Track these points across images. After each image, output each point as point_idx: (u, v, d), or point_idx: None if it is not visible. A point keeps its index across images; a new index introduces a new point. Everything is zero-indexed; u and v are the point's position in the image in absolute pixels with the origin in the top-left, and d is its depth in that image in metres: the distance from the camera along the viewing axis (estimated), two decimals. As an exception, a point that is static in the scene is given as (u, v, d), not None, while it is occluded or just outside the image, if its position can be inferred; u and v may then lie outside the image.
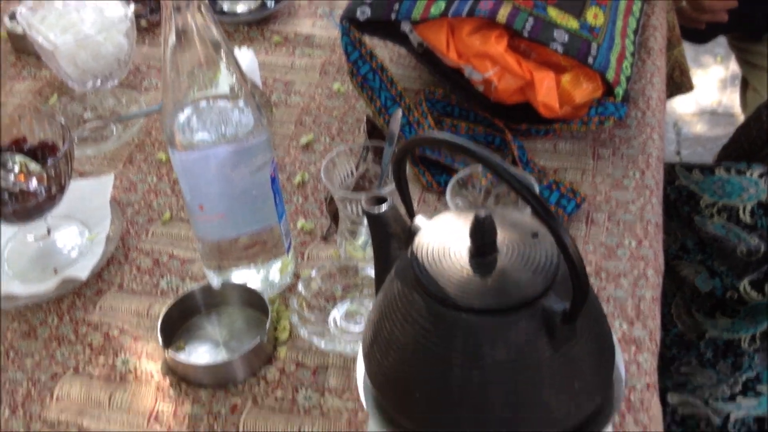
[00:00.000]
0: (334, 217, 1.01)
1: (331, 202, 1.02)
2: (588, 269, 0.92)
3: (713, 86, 2.67)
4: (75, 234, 1.04)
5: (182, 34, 0.78)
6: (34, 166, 0.97)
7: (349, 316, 0.91)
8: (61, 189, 0.97)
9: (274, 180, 0.89)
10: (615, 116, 1.05)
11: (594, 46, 1.04)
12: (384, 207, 0.69)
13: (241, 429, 0.82)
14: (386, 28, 1.12)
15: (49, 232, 1.02)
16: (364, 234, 0.94)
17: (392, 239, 0.71)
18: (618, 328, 0.85)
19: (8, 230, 1.02)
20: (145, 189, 1.11)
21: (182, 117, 0.83)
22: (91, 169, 1.15)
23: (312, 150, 1.14)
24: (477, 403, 0.61)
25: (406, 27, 1.12)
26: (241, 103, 0.84)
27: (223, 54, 0.81)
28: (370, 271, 0.91)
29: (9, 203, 0.93)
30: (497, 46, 1.04)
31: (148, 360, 0.89)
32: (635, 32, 1.15)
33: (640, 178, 1.03)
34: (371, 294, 0.91)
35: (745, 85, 1.90)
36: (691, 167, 1.27)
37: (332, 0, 1.42)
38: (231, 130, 0.83)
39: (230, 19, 1.39)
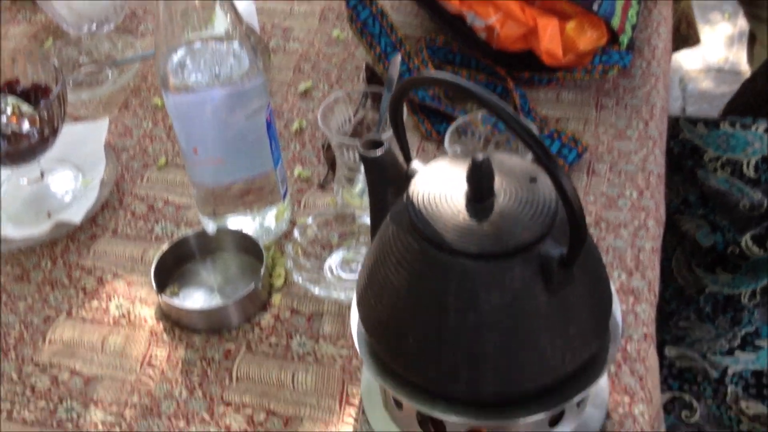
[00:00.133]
0: (332, 164, 1.00)
1: (328, 149, 1.01)
2: (588, 219, 0.91)
3: (720, 43, 2.63)
4: (69, 178, 1.03)
5: (176, -28, 0.76)
6: (26, 108, 0.95)
7: (345, 264, 0.90)
8: (54, 132, 0.95)
9: (269, 125, 0.87)
10: (619, 65, 1.02)
11: (599, -8, 1.02)
12: (380, 151, 0.68)
13: (234, 374, 0.81)
14: (387, -28, 1.09)
15: (42, 175, 1.01)
16: (361, 181, 0.92)
17: (388, 184, 0.70)
18: (617, 279, 0.84)
19: (2, 173, 1.01)
20: (140, 134, 1.09)
21: (175, 58, 0.81)
22: (86, 113, 1.13)
23: (310, 97, 1.12)
24: (471, 349, 0.60)
25: (407, -28, 1.09)
26: (235, 45, 0.82)
27: (217, -7, 0.79)
28: (367, 219, 0.90)
29: (1, 145, 0.92)
30: (500, -9, 1.02)
31: (142, 305, 0.89)
32: (642, -20, 1.12)
33: (643, 128, 1.01)
34: (368, 242, 0.90)
35: (752, 40, 1.87)
36: (696, 121, 1.25)
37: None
38: (225, 72, 0.81)
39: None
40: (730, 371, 1.02)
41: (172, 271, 0.90)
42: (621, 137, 1.01)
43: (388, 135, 0.87)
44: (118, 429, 0.78)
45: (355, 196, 0.93)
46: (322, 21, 1.24)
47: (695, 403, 1.03)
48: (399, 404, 0.71)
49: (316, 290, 0.85)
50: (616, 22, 1.02)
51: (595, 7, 1.00)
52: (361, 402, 0.77)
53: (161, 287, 0.88)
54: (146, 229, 0.97)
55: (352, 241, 0.91)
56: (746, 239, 1.15)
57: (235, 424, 0.77)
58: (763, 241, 1.15)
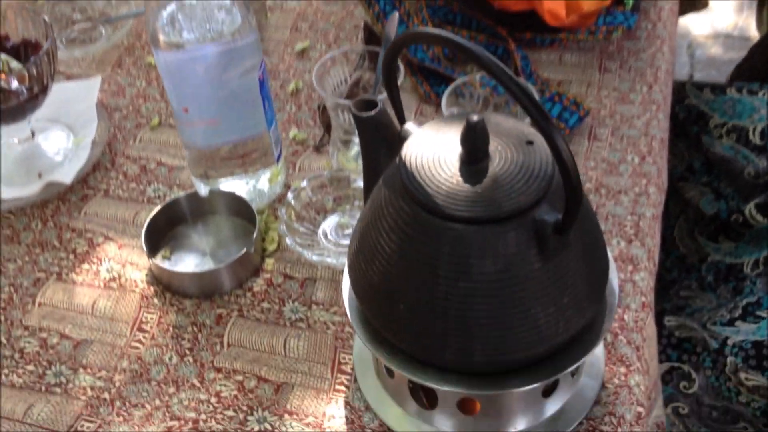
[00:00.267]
0: (327, 126, 0.97)
1: (324, 111, 0.99)
2: (588, 185, 0.89)
3: (729, 8, 2.59)
4: (60, 138, 1.01)
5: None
6: (15, 64, 0.93)
7: (339, 228, 0.88)
8: (44, 89, 0.93)
9: (263, 84, 0.85)
10: (624, 26, 1.00)
11: (605, -49, 0.98)
12: (373, 111, 0.66)
13: (225, 340, 0.80)
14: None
15: (33, 135, 0.99)
16: (357, 144, 0.90)
17: (381, 146, 0.68)
18: (615, 246, 0.82)
19: (-9, 132, 0.99)
20: (133, 93, 1.07)
21: (165, 14, 0.79)
22: (79, 71, 1.11)
23: (307, 57, 1.09)
24: (462, 317, 0.59)
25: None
26: (227, 0, 0.79)
27: (208, -54, 0.76)
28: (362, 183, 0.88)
29: (-11, 103, 0.90)
30: (503, -51, 0.99)
31: (133, 268, 0.87)
32: (650, -61, 1.09)
33: (647, 92, 0.99)
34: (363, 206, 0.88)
35: (761, 4, 1.83)
36: (702, 86, 1.22)
37: None
38: (217, 28, 0.79)
39: None
40: (730, 342, 1.00)
41: (164, 233, 0.89)
42: (624, 101, 0.98)
43: (383, 96, 0.84)
44: (107, 394, 0.77)
45: (351, 159, 0.91)
46: (320, -21, 1.21)
47: (694, 374, 1.01)
48: (390, 372, 0.70)
49: (310, 255, 0.83)
50: (621, -18, 0.99)
51: (600, -34, 0.98)
52: (353, 369, 0.76)
53: (153, 250, 0.86)
54: (138, 191, 0.95)
55: (347, 205, 0.89)
56: (750, 207, 1.13)
57: (226, 390, 0.76)
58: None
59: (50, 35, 0.92)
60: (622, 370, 0.72)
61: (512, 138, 0.62)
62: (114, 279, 0.86)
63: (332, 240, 0.87)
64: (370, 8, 1.06)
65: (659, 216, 0.87)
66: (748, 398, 0.99)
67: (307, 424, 0.73)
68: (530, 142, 0.61)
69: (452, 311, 0.59)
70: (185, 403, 0.75)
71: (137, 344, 0.80)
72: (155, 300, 0.84)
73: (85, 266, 0.88)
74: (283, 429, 0.72)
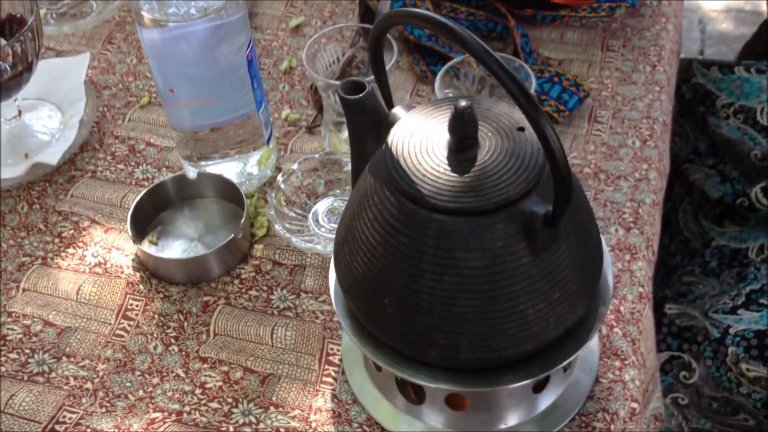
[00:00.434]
0: (320, 107, 0.95)
1: (316, 91, 0.96)
2: (587, 170, 0.86)
3: (742, -19, 2.53)
4: (48, 117, 0.98)
5: None
6: (-2, 42, 0.90)
7: (331, 213, 0.85)
8: (29, 67, 0.91)
9: (251, 63, 0.82)
10: (627, 3, 0.96)
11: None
12: (361, 94, 0.63)
13: (212, 329, 0.78)
14: None
15: (20, 113, 0.97)
16: (350, 126, 0.87)
17: (370, 130, 0.66)
18: (613, 234, 0.80)
19: (-23, 112, 0.97)
20: (123, 70, 1.04)
21: (149, -9, 0.76)
22: (69, 47, 1.08)
23: (302, 33, 1.06)
24: (448, 312, 0.56)
25: None
26: (213, -24, 0.77)
27: None
28: (355, 166, 0.85)
29: (-28, 81, 0.87)
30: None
31: (120, 253, 0.85)
32: None
33: (650, 72, 0.96)
34: (355, 190, 0.85)
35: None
36: (710, 64, 1.19)
37: None
38: (202, 5, 0.76)
39: None
40: (731, 331, 0.98)
41: (151, 217, 0.87)
42: (626, 81, 0.95)
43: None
44: (90, 384, 0.75)
45: (343, 141, 0.88)
46: (317, -47, 1.18)
47: (694, 364, 0.99)
48: (378, 366, 0.67)
49: (299, 242, 0.81)
50: (625, -42, 0.95)
51: (603, -60, 0.94)
52: (341, 361, 0.74)
53: (139, 235, 0.84)
54: (126, 172, 0.93)
55: (339, 189, 0.87)
56: (756, 191, 1.10)
57: (211, 381, 0.74)
58: (774, 194, 1.10)
59: (35, 11, 0.90)
60: (617, 364, 0.70)
61: (503, 124, 0.59)
62: (100, 264, 0.84)
63: (323, 226, 0.84)
64: (365, -17, 1.03)
65: (660, 203, 0.85)
66: (749, 389, 0.96)
67: (293, 417, 0.71)
68: (522, 128, 0.59)
69: (437, 307, 0.56)
70: (169, 394, 0.73)
71: (122, 332, 0.78)
72: (141, 286, 0.82)
73: (71, 251, 0.86)
74: (268, 422, 0.71)
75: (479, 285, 0.55)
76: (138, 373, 0.75)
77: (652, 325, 0.75)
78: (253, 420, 0.71)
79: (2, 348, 0.78)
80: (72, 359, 0.77)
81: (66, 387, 0.75)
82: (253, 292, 0.80)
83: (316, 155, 0.87)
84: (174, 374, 0.75)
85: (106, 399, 0.74)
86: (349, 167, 0.86)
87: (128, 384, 0.74)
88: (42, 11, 1.11)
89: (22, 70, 0.90)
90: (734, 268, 1.07)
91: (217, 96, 0.82)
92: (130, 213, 0.84)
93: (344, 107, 0.64)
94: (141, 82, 1.02)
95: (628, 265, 0.77)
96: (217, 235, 0.85)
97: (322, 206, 0.86)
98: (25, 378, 0.76)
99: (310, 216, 0.85)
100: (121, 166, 0.93)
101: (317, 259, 0.82)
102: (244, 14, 0.80)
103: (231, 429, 0.70)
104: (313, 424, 0.70)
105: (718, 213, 1.14)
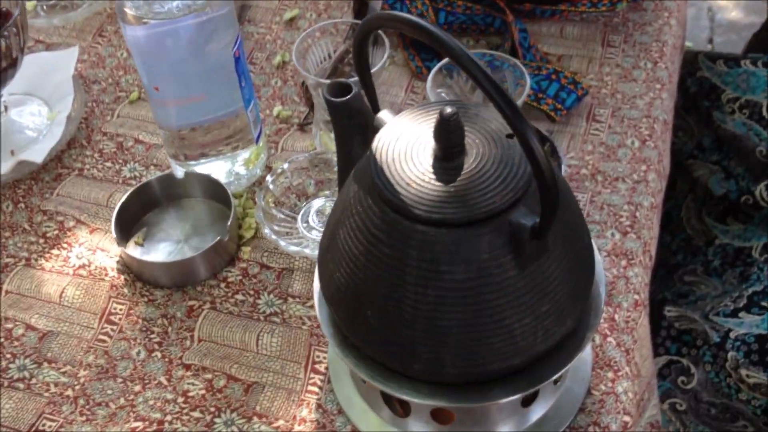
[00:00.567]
0: (312, 104, 0.92)
1: (307, 88, 0.93)
2: (584, 171, 0.84)
3: (752, -31, 2.49)
4: (35, 112, 0.96)
5: None
6: (-20, 38, 0.88)
7: (320, 215, 0.83)
8: (14, 63, 0.89)
9: (238, 60, 0.80)
10: (628, -3, 0.94)
11: None
12: (347, 96, 0.61)
13: (196, 334, 0.76)
14: None
15: (6, 109, 0.95)
16: (341, 124, 0.85)
17: (356, 134, 0.63)
18: (609, 239, 0.77)
19: (-38, 108, 0.95)
20: (113, 65, 1.02)
21: (132, -13, 0.74)
22: (59, 40, 1.06)
23: (296, 27, 1.04)
24: (431, 326, 0.54)
25: None
26: (198, -29, 0.74)
27: None
28: (345, 166, 0.83)
29: (-46, 78, 0.85)
30: None
31: (104, 255, 0.83)
32: None
33: (651, 69, 0.93)
34: (345, 190, 0.83)
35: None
36: (716, 57, 1.16)
37: None
38: (187, 2, 0.74)
39: None
40: (732, 335, 0.95)
41: (137, 218, 0.85)
42: (626, 78, 0.92)
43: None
44: (70, 391, 0.73)
45: (334, 140, 0.86)
46: (312, -57, 1.15)
47: (693, 369, 0.97)
48: (363, 375, 0.65)
49: (287, 246, 0.79)
50: (627, -50, 0.92)
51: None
52: (327, 369, 0.72)
53: (125, 236, 0.82)
54: (114, 170, 0.91)
55: (329, 190, 0.84)
56: (761, 188, 1.07)
57: (194, 389, 0.72)
58: (779, 192, 1.07)
59: (20, 5, 0.87)
60: (610, 375, 0.68)
61: (492, 130, 0.57)
62: (84, 266, 0.82)
63: (312, 228, 0.82)
64: (360, -24, 1.00)
65: (658, 205, 0.82)
66: (749, 396, 0.94)
67: (277, 428, 0.69)
68: (510, 135, 0.56)
69: (421, 320, 0.54)
70: (151, 402, 0.71)
71: (104, 337, 0.77)
72: (125, 290, 0.80)
73: (55, 252, 0.84)
74: (251, 432, 0.69)
75: (464, 298, 0.53)
76: (120, 380, 0.73)
77: (647, 333, 0.73)
78: (236, 430, 0.69)
79: (-17, 352, 0.77)
80: (53, 365, 0.75)
81: (47, 394, 0.73)
82: (240, 296, 0.78)
83: (306, 154, 0.85)
84: (156, 382, 0.73)
85: (87, 407, 0.72)
86: (339, 167, 0.84)
87: (109, 391, 0.73)
88: (32, 3, 1.09)
89: (6, 67, 0.88)
90: (737, 268, 1.04)
91: (204, 94, 0.80)
92: (114, 214, 0.82)
93: (330, 110, 0.62)
94: (131, 76, 1.00)
95: (623, 271, 0.74)
96: (204, 237, 0.83)
97: (312, 207, 0.84)
98: (6, 384, 0.74)
99: (299, 218, 0.83)
100: (108, 164, 0.91)
101: (305, 262, 0.80)
102: (230, 10, 0.77)
103: (213, 439, 0.69)
104: (298, 435, 0.68)
105: (721, 210, 1.11)
